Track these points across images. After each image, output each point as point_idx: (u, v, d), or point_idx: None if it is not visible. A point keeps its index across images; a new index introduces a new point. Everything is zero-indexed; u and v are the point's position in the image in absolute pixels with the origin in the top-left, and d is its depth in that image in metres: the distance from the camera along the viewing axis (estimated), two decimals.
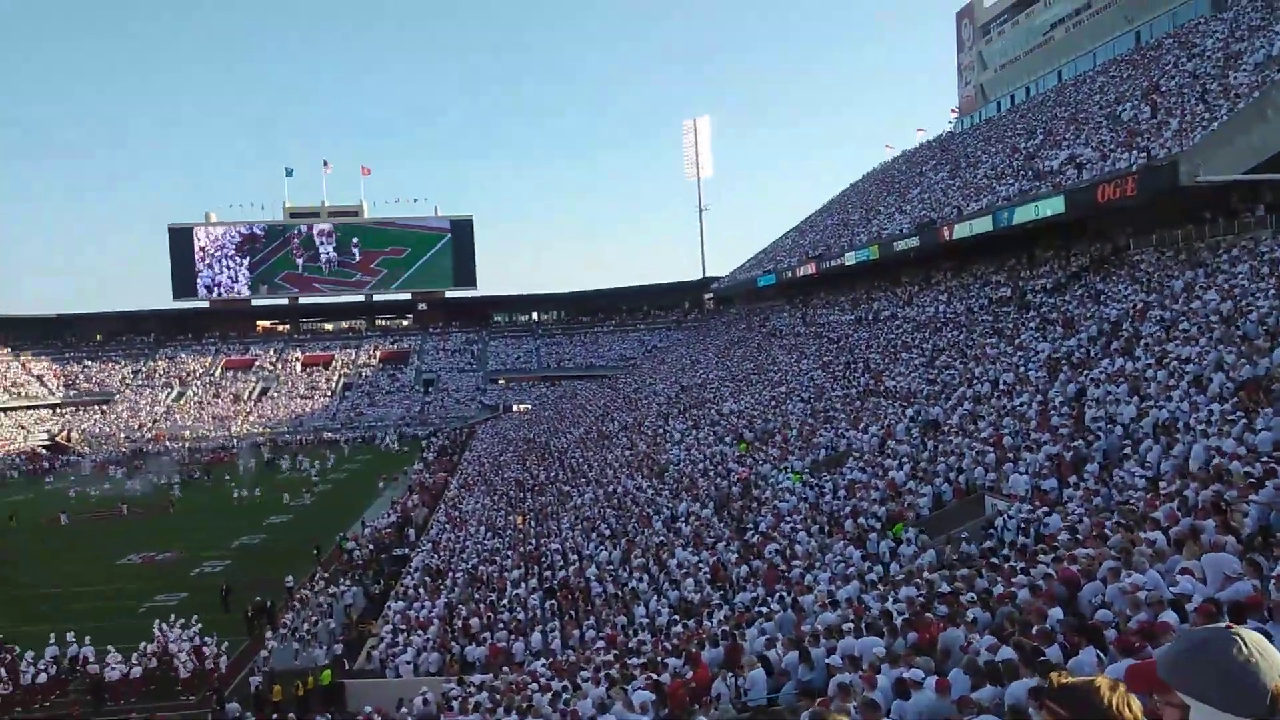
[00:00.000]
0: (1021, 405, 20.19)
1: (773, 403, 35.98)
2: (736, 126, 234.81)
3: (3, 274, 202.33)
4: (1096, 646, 6.92)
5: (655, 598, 19.37)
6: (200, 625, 24.83)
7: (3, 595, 30.68)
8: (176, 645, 23.47)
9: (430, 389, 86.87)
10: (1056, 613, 8.33)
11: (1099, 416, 16.71)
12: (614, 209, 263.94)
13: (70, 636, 23.85)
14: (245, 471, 57.78)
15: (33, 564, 35.23)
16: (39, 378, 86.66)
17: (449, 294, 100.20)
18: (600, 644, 17.43)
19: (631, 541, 24.60)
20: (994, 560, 12.41)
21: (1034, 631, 7.93)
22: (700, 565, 19.96)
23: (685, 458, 32.45)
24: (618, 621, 18.80)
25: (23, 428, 77.53)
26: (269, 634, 24.65)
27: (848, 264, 48.65)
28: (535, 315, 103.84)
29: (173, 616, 25.32)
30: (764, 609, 14.54)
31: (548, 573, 25.31)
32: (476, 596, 24.54)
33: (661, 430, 39.95)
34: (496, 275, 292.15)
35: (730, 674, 10.04)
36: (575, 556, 25.93)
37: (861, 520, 18.44)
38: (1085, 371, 19.98)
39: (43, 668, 22.50)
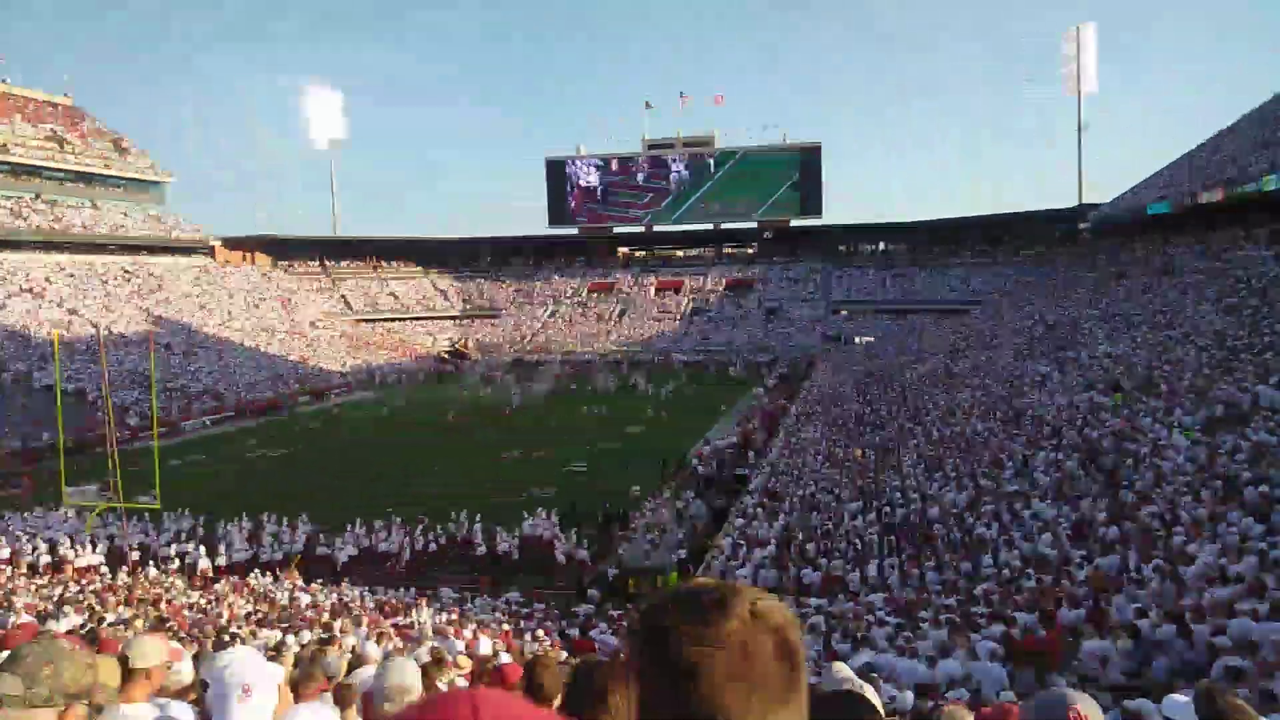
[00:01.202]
0: None
1: (1159, 348, 31.65)
2: (1126, 37, 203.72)
3: (420, 204, 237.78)
4: None
5: (1006, 548, 18.29)
6: (559, 518, 28.04)
7: (400, 482, 36.71)
8: (550, 532, 26.85)
9: (772, 317, 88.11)
10: None
11: None
12: (974, 131, 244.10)
13: (462, 516, 28.13)
14: (603, 388, 63.39)
15: (428, 454, 41.93)
16: (443, 293, 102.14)
17: (794, 222, 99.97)
18: (937, 587, 16.91)
19: (979, 487, 23.34)
20: None
21: None
22: (1060, 520, 18.44)
23: (1048, 404, 29.85)
24: (962, 566, 18.07)
25: (431, 335, 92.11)
26: (620, 534, 27.25)
27: (1267, 189, 40.75)
28: (882, 245, 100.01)
29: (540, 509, 28.75)
30: (1136, 575, 13.15)
31: (887, 508, 24.92)
32: (813, 523, 24.89)
33: (1018, 372, 37.00)
34: (845, 204, 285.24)
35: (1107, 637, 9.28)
36: (916, 495, 25.22)
37: (1264, 489, 15.78)
38: None
39: (431, 539, 26.99)
